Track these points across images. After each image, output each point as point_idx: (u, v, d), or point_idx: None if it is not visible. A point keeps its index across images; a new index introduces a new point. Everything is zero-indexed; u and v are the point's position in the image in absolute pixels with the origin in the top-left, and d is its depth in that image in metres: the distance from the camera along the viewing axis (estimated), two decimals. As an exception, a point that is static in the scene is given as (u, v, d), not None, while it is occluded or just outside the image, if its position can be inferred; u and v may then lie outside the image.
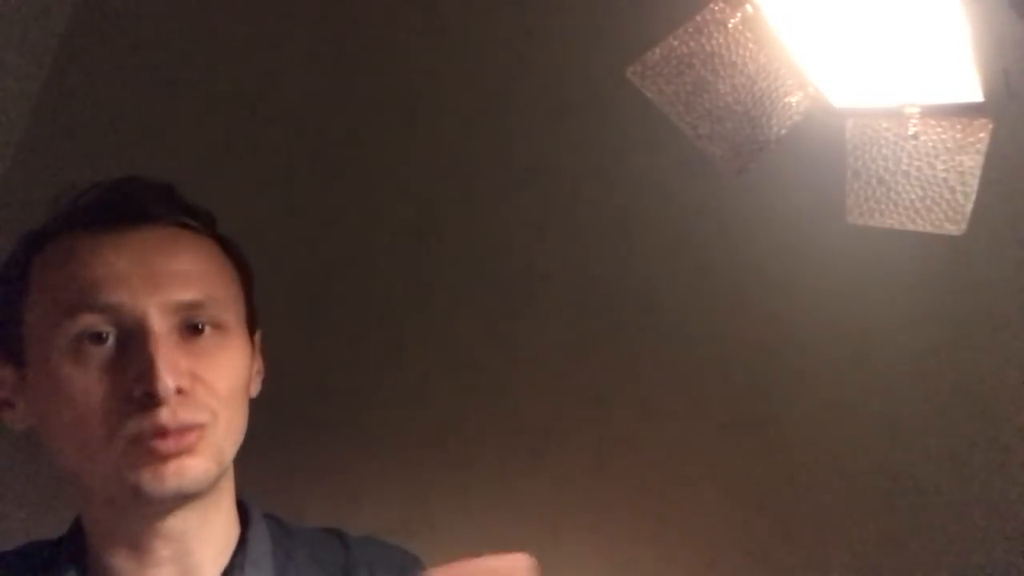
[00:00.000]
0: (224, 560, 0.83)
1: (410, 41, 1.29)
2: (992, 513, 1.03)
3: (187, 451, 0.76)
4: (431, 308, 1.25)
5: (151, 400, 0.75)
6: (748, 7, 0.65)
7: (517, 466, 1.18)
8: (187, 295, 0.80)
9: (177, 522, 0.80)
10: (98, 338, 0.77)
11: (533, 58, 1.23)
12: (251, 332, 0.88)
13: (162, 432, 0.75)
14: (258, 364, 0.89)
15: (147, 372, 0.75)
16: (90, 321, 0.77)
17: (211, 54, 1.36)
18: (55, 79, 1.38)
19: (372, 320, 1.26)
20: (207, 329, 0.80)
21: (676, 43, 0.65)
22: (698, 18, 0.64)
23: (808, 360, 1.10)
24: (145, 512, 0.79)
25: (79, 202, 0.83)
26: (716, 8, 0.64)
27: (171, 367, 0.76)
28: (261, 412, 0.87)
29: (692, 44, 0.65)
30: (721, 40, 0.65)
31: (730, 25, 0.65)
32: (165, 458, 0.76)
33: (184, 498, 0.78)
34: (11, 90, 1.35)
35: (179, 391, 0.76)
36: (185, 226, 0.84)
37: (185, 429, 0.76)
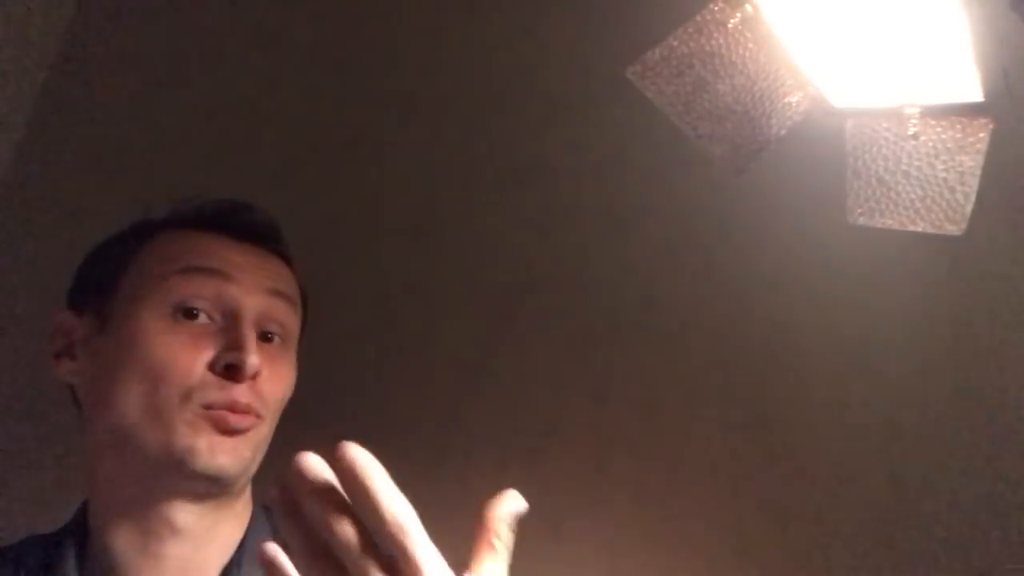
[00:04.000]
0: (226, 557, 0.84)
1: (410, 41, 1.29)
2: (992, 513, 1.03)
3: (241, 432, 0.81)
4: (431, 308, 1.25)
5: (235, 373, 0.81)
6: (748, 7, 0.65)
7: (517, 466, 1.18)
8: (279, 284, 0.87)
9: (191, 517, 0.81)
10: (190, 314, 0.82)
11: (533, 58, 1.23)
12: None
13: (234, 407, 0.80)
14: None
15: (240, 345, 0.81)
16: (195, 283, 0.83)
17: (211, 54, 1.36)
18: (55, 80, 1.38)
19: (372, 320, 1.26)
20: (276, 339, 0.87)
21: (676, 43, 0.65)
22: (698, 18, 0.64)
23: (808, 360, 1.10)
24: (179, 487, 0.81)
25: (203, 207, 0.90)
26: (716, 8, 0.64)
27: (256, 349, 0.82)
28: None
29: (692, 44, 0.65)
30: (721, 40, 0.65)
31: (730, 25, 0.65)
32: (228, 432, 0.80)
33: (222, 482, 0.81)
34: (11, 90, 1.35)
35: (255, 376, 0.82)
36: (279, 254, 0.92)
37: (248, 411, 0.81)
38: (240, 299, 0.84)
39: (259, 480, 0.88)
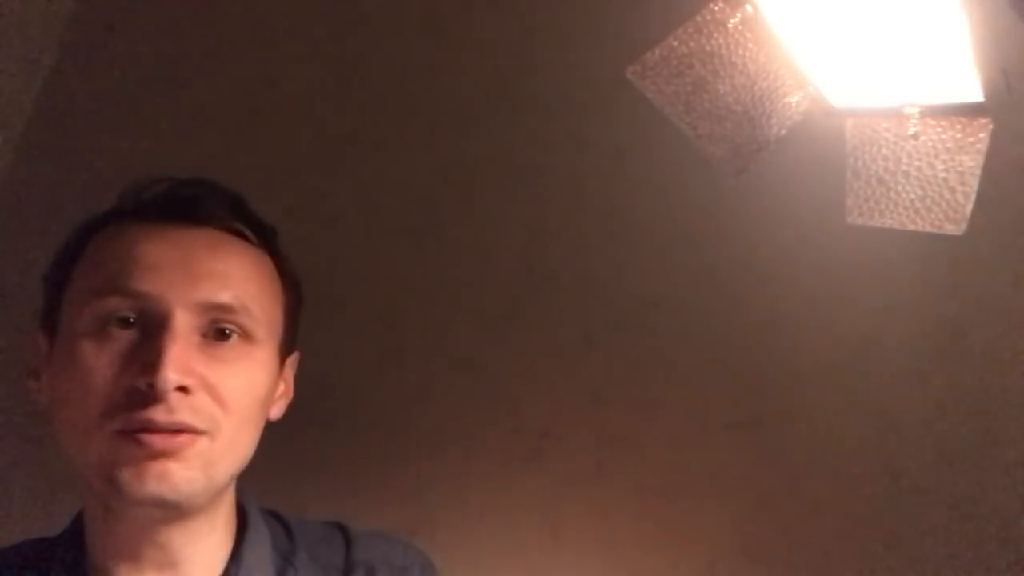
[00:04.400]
0: (219, 561, 0.82)
1: (410, 41, 1.29)
2: (991, 513, 1.03)
3: (174, 454, 0.74)
4: (431, 308, 1.25)
5: (151, 392, 0.73)
6: (748, 7, 0.65)
7: (517, 466, 1.18)
8: (218, 297, 0.78)
9: (165, 534, 0.78)
10: (124, 323, 0.76)
11: (533, 58, 1.23)
12: (286, 353, 0.86)
13: (150, 428, 0.73)
14: (284, 387, 0.88)
15: (152, 363, 0.74)
16: (116, 305, 0.76)
17: (211, 54, 1.36)
18: (55, 79, 1.38)
19: (372, 320, 1.26)
20: (234, 337, 0.79)
21: (676, 43, 0.65)
22: (698, 18, 0.64)
23: (808, 360, 1.10)
24: (130, 512, 0.77)
25: (142, 194, 0.83)
26: (716, 8, 0.64)
27: (178, 363, 0.74)
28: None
29: (692, 44, 0.65)
30: (721, 40, 0.65)
31: (730, 25, 0.65)
32: (150, 457, 0.74)
33: (167, 506, 0.76)
34: (11, 90, 1.35)
35: (182, 389, 0.75)
36: (238, 233, 0.83)
37: (177, 430, 0.74)
38: (165, 314, 0.76)
39: (258, 478, 0.88)
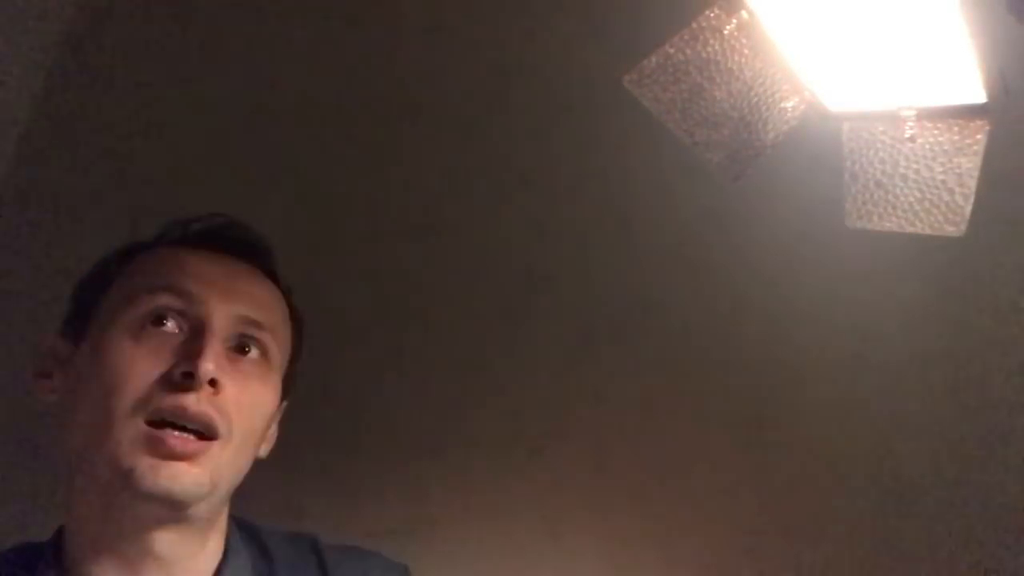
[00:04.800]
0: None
1: (410, 41, 1.29)
2: (990, 512, 1.03)
3: (189, 458, 0.78)
4: (431, 308, 1.25)
5: (188, 381, 0.78)
6: (743, 13, 0.65)
7: (517, 466, 1.18)
8: (253, 313, 0.84)
9: (166, 544, 0.80)
10: (159, 321, 0.81)
11: (533, 58, 1.23)
12: (283, 395, 0.90)
13: (182, 414, 0.77)
14: (274, 428, 0.90)
15: (194, 353, 0.79)
16: (165, 301, 0.82)
17: (211, 54, 1.36)
18: (55, 79, 1.38)
19: (372, 320, 1.27)
20: (253, 352, 0.84)
21: (672, 50, 0.65)
22: (693, 25, 0.64)
23: (808, 360, 1.11)
24: (132, 510, 0.78)
25: (188, 226, 0.89)
26: (712, 14, 0.64)
27: (217, 358, 0.80)
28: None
29: (688, 51, 0.65)
30: (717, 46, 0.65)
31: (725, 31, 0.65)
32: (168, 457, 0.77)
33: (172, 504, 0.78)
34: (11, 90, 1.35)
35: (213, 383, 0.79)
36: (269, 274, 0.90)
37: (197, 432, 0.78)
38: (209, 315, 0.82)
39: (258, 479, 0.88)
